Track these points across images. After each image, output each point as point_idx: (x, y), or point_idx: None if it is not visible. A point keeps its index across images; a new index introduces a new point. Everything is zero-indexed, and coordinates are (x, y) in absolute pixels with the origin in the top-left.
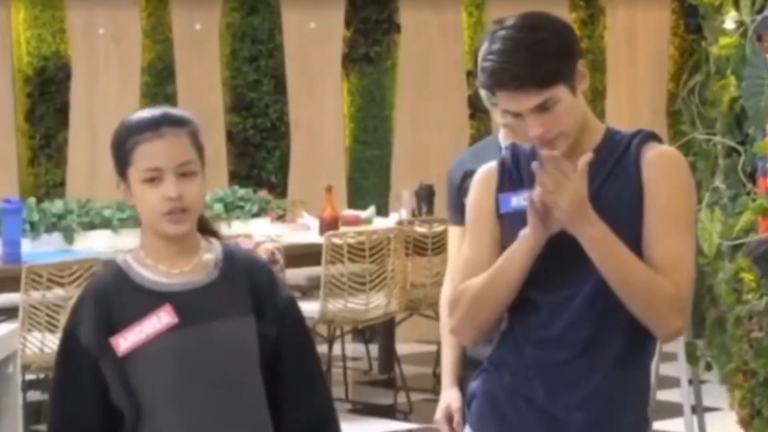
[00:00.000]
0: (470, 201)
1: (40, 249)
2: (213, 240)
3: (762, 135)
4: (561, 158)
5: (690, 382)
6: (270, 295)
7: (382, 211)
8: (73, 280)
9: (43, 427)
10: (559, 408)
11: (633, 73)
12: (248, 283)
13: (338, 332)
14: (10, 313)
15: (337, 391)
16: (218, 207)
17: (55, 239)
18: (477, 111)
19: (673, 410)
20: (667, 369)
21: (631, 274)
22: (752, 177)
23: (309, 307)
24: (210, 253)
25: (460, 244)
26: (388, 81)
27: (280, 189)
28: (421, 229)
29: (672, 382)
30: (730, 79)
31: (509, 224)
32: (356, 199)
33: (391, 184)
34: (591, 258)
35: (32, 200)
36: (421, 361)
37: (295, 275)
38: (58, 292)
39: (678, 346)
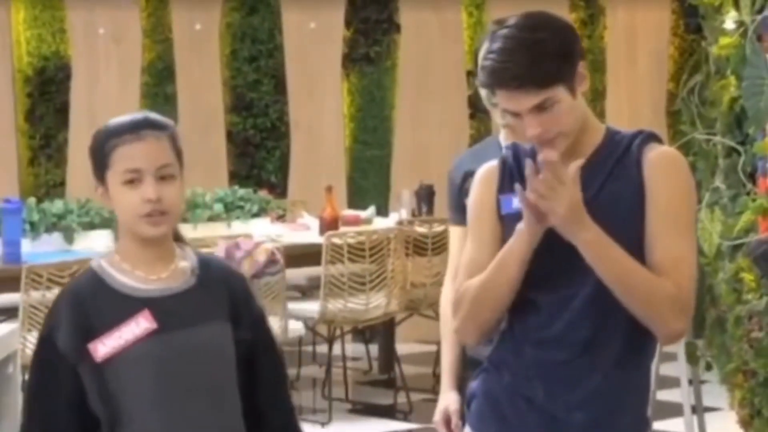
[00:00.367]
0: (471, 200)
1: (40, 249)
2: (186, 247)
3: (762, 135)
4: (558, 163)
5: (690, 382)
6: (245, 304)
7: (382, 211)
8: None
9: None
10: (559, 408)
11: (633, 73)
12: (225, 291)
13: (338, 332)
14: (10, 313)
15: (337, 391)
16: (218, 207)
17: (55, 239)
18: (477, 111)
19: (673, 410)
20: (667, 369)
21: (628, 276)
22: (752, 177)
23: (309, 307)
24: (185, 261)
25: (462, 244)
26: (388, 81)
27: (280, 189)
28: (421, 229)
29: (672, 382)
30: (730, 79)
31: (510, 225)
32: (356, 199)
33: (391, 184)
34: (588, 261)
35: (32, 200)
36: (421, 361)
37: (295, 275)
38: (58, 292)
39: (678, 346)
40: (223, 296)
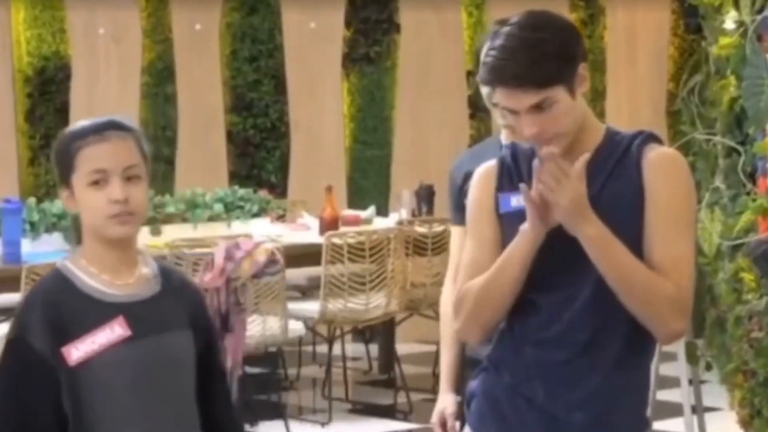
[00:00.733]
0: (470, 200)
1: (40, 249)
2: (144, 253)
3: (762, 135)
4: (559, 156)
5: (690, 382)
6: (201, 313)
7: (382, 211)
8: None
9: None
10: (559, 408)
11: (633, 73)
12: (185, 299)
13: (338, 332)
14: (10, 313)
15: (337, 391)
16: (218, 207)
17: (55, 239)
18: (477, 111)
19: (673, 410)
20: (667, 369)
21: (630, 275)
22: (752, 177)
23: (309, 307)
24: (146, 267)
25: (463, 244)
26: (388, 81)
27: (280, 189)
28: (421, 229)
29: (672, 382)
30: (730, 79)
31: (509, 224)
32: (356, 199)
33: (391, 184)
34: (590, 257)
35: (32, 200)
36: (421, 361)
37: (295, 275)
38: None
39: (678, 346)
40: (184, 305)
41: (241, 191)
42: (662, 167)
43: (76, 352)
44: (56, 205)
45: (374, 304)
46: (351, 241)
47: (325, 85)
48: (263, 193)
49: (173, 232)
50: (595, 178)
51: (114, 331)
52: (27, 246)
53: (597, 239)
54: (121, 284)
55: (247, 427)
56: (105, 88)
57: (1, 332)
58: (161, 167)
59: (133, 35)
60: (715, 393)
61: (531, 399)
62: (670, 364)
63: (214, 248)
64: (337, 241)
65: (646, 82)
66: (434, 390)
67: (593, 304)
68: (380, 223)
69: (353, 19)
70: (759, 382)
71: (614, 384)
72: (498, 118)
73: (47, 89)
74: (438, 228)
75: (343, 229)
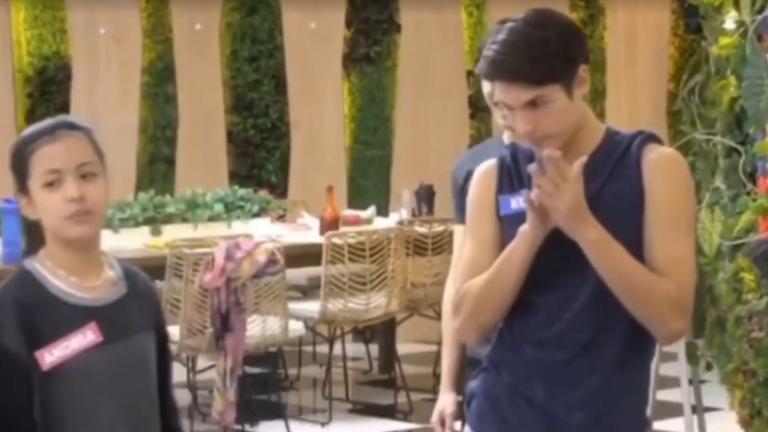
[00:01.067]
0: (470, 200)
1: None
2: (108, 255)
3: (762, 135)
4: (560, 159)
5: (690, 382)
6: (160, 314)
7: (383, 211)
8: None
9: None
10: (559, 408)
11: (633, 73)
12: (148, 300)
13: (338, 332)
14: None
15: (337, 391)
16: (218, 207)
17: None
18: (477, 111)
19: (673, 410)
20: (667, 369)
21: (630, 276)
22: (752, 177)
23: (309, 307)
24: (111, 268)
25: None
26: (389, 81)
27: (280, 189)
28: (421, 229)
29: (672, 382)
30: (730, 79)
31: (509, 226)
32: (356, 199)
33: (391, 184)
34: (590, 260)
35: None
36: (421, 361)
37: (295, 275)
38: None
39: (678, 346)
40: (148, 306)
41: (242, 191)
42: (662, 167)
43: (50, 357)
44: None
45: (374, 304)
46: (351, 241)
47: (325, 85)
48: (263, 193)
49: (173, 232)
50: (595, 179)
51: (86, 337)
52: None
53: (596, 242)
54: (89, 287)
55: (247, 427)
56: (105, 88)
57: None
58: (161, 167)
59: (134, 35)
60: (715, 393)
61: (531, 399)
62: (670, 364)
63: (214, 248)
64: (337, 241)
65: (646, 82)
66: (434, 390)
67: (593, 304)
68: (380, 223)
69: (353, 19)
70: (759, 382)
71: (614, 384)
72: (499, 119)
73: (48, 89)
74: (438, 228)
75: (343, 229)
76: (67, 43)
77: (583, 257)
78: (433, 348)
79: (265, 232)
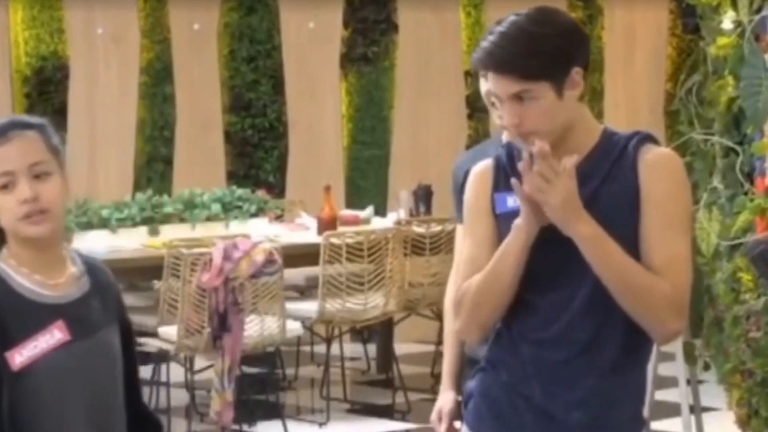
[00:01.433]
0: (466, 199)
1: None
2: (70, 250)
3: (760, 135)
4: (549, 154)
5: (688, 382)
6: (122, 304)
7: (381, 211)
8: None
9: None
10: (558, 407)
11: (631, 73)
12: (111, 293)
13: (336, 332)
14: None
15: (335, 391)
16: (216, 207)
17: None
18: (475, 111)
19: (671, 410)
20: (665, 369)
21: (626, 274)
22: (750, 177)
23: (307, 307)
24: (74, 266)
25: None
26: (387, 81)
27: (278, 189)
28: (419, 229)
29: (670, 382)
30: (728, 79)
31: (505, 224)
32: (354, 199)
33: (389, 184)
34: (585, 257)
35: None
36: (419, 361)
37: (293, 275)
38: None
39: (676, 346)
40: (112, 298)
41: (239, 191)
42: (658, 168)
43: (20, 357)
44: None
45: (372, 304)
46: (349, 241)
47: (323, 85)
48: (261, 193)
49: (171, 232)
50: (592, 179)
51: (54, 336)
52: None
53: (591, 238)
54: (53, 284)
55: (245, 426)
56: (103, 88)
57: None
58: (159, 167)
59: (132, 35)
60: (712, 393)
61: (529, 398)
62: (668, 364)
63: (212, 248)
64: (335, 241)
65: (644, 82)
66: (432, 390)
67: (591, 304)
68: (378, 223)
69: (351, 19)
70: (757, 381)
71: (612, 383)
72: (496, 119)
73: (45, 89)
74: (436, 228)
75: (341, 229)
76: (65, 43)
77: (581, 257)
78: (431, 348)
79: (262, 232)
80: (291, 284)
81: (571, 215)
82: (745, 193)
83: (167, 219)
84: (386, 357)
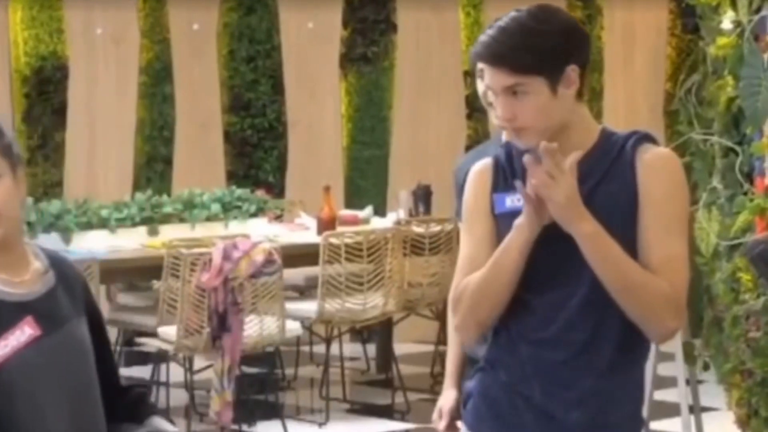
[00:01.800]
0: (465, 199)
1: None
2: (33, 245)
3: (759, 135)
4: (557, 151)
5: (687, 382)
6: (89, 295)
7: (380, 211)
8: None
9: None
10: (557, 407)
11: (630, 73)
12: (77, 284)
13: (336, 332)
14: None
15: (334, 391)
16: (216, 207)
17: (52, 239)
18: (474, 111)
19: (670, 410)
20: (664, 369)
21: (624, 272)
22: (749, 177)
23: (307, 307)
24: (38, 261)
25: None
26: (386, 81)
27: (277, 189)
28: (418, 229)
29: (669, 382)
30: (728, 79)
31: (504, 224)
32: (354, 199)
33: (388, 184)
34: (585, 255)
35: (30, 200)
36: (418, 361)
37: (292, 275)
38: None
39: (675, 346)
40: (78, 290)
41: (239, 191)
42: (656, 168)
43: None
44: (54, 205)
45: (372, 304)
46: (348, 241)
47: (322, 85)
48: (261, 193)
49: (171, 232)
50: (590, 179)
51: (24, 332)
52: None
53: (592, 236)
54: (19, 282)
55: (244, 426)
56: (103, 88)
57: None
58: (159, 167)
59: (131, 35)
60: (712, 393)
61: (528, 398)
62: (667, 364)
63: (211, 248)
64: (334, 241)
65: (644, 82)
66: (432, 390)
67: (590, 303)
68: (378, 223)
69: (351, 19)
70: (756, 381)
71: (610, 383)
72: (494, 119)
73: (45, 89)
74: (435, 228)
75: (340, 229)
76: (65, 43)
77: (579, 257)
78: (431, 348)
79: (262, 232)
80: (290, 284)
81: (573, 212)
82: (745, 193)
83: (167, 219)
84: (386, 357)
